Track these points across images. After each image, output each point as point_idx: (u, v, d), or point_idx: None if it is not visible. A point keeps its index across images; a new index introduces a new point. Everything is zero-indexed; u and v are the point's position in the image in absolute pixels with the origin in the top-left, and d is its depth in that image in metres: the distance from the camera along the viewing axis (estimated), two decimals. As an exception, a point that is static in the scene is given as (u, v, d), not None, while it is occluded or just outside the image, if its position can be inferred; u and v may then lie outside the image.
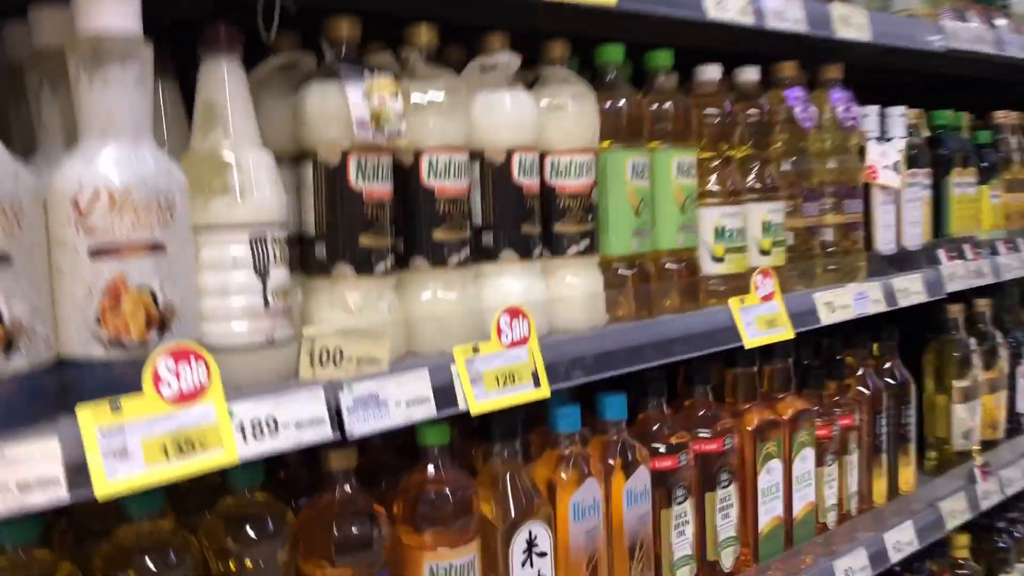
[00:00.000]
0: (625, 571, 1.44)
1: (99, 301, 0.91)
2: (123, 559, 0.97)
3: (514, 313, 1.23)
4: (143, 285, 0.92)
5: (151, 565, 0.97)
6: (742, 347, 1.54)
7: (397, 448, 1.38)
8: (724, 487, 1.60)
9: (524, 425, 1.51)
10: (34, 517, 0.92)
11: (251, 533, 1.05)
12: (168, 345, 0.93)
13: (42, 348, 0.89)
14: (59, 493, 0.85)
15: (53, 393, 0.90)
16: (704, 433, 1.59)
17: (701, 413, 1.61)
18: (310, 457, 1.20)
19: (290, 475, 1.30)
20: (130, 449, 0.89)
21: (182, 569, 1.00)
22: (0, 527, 0.90)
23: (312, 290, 1.15)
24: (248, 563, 1.05)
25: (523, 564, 1.29)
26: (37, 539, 0.93)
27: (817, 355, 1.98)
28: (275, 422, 1.00)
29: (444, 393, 1.15)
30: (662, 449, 1.51)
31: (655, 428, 1.52)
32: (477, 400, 1.17)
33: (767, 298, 1.60)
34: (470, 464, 1.37)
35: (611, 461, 1.43)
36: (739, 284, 1.60)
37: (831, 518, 1.85)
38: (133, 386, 0.91)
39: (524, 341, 1.24)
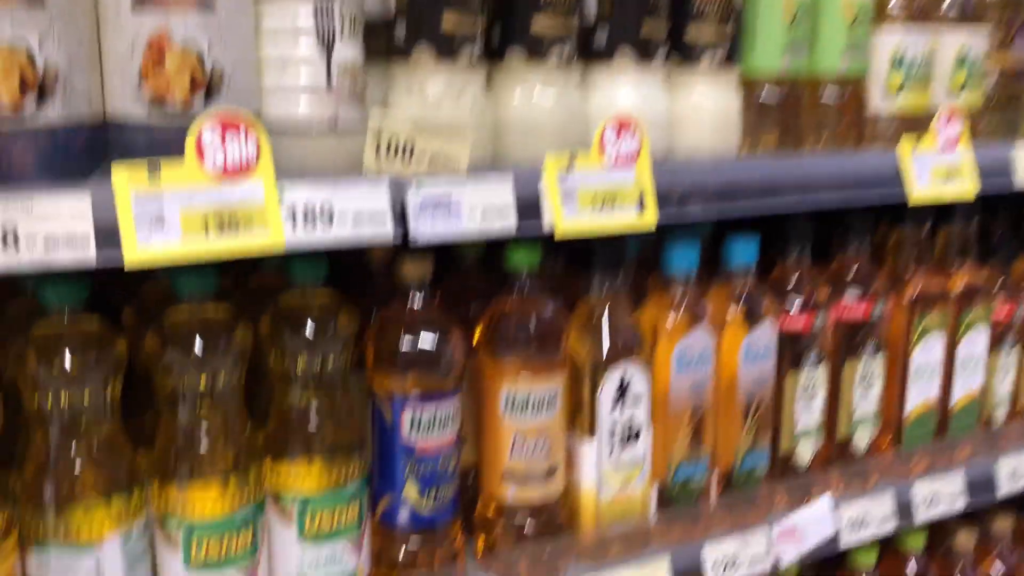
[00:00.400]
0: (736, 433, 1.30)
1: (142, 57, 0.84)
2: (173, 339, 0.93)
3: (623, 125, 1.07)
4: (189, 43, 0.85)
5: (201, 346, 0.93)
6: (908, 202, 1.31)
7: (494, 276, 1.28)
8: (868, 359, 1.40)
9: (641, 267, 1.38)
10: (82, 281, 0.90)
11: (309, 329, 0.99)
12: (215, 112, 0.85)
13: (81, 103, 0.84)
14: (87, 253, 0.81)
15: (91, 152, 0.85)
16: (851, 295, 1.38)
17: (851, 273, 1.40)
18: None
19: (372, 288, 1.23)
20: (167, 218, 0.84)
21: (234, 354, 0.95)
22: (45, 285, 0.88)
23: (391, 77, 1.04)
24: (304, 360, 1.00)
25: (613, 407, 1.18)
26: (83, 304, 0.90)
27: (1014, 226, 1.68)
28: (330, 212, 0.91)
29: (528, 207, 1.02)
30: (796, 306, 1.32)
31: (791, 282, 1.34)
32: (566, 219, 1.04)
33: (949, 145, 1.34)
34: (572, 301, 1.25)
35: (731, 311, 1.27)
36: (915, 126, 1.35)
37: (1000, 413, 1.60)
38: (177, 154, 0.85)
39: (632, 159, 1.09)
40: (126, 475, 0.92)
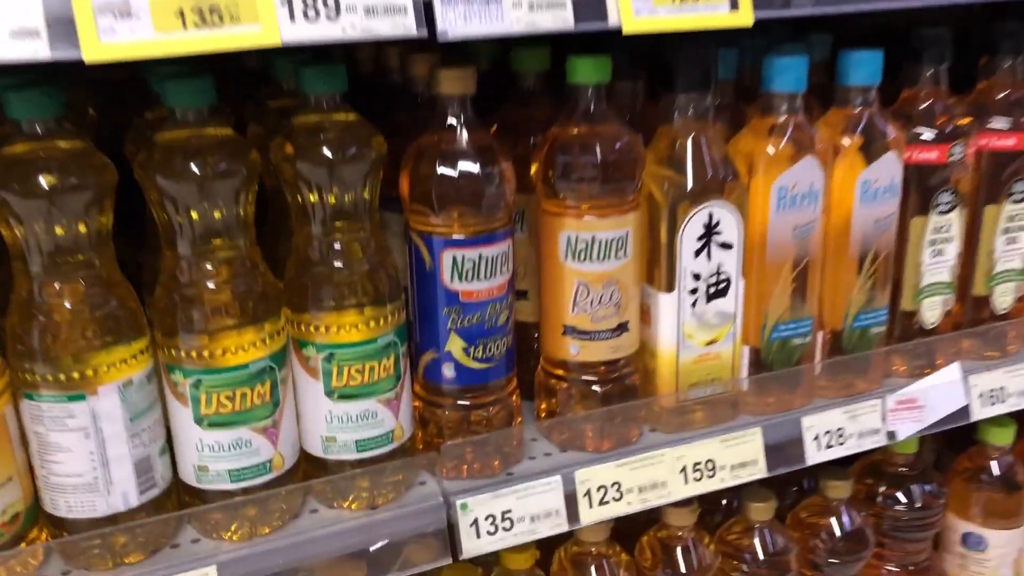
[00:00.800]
0: (848, 286, 1.10)
1: None
2: (164, 162, 0.80)
3: None
4: None
5: (198, 168, 0.79)
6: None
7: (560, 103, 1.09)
8: (1017, 201, 1.16)
9: (738, 93, 1.17)
10: (54, 92, 0.77)
11: (328, 150, 0.84)
12: None
13: None
14: (38, 48, 0.67)
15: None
16: (998, 123, 1.13)
17: (999, 96, 1.14)
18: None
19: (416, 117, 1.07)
20: (133, 7, 0.69)
21: (239, 179, 0.81)
22: (9, 96, 0.75)
23: None
24: (323, 187, 0.85)
25: (697, 254, 1.00)
26: (58, 117, 0.77)
27: None
28: (336, 0, 0.75)
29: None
30: (927, 135, 1.09)
31: (923, 107, 1.10)
32: (636, 15, 0.84)
33: None
34: (650, 127, 1.06)
35: (846, 139, 1.05)
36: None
37: None
38: (143, -73, 0.69)
39: (722, -60, 0.87)
40: (124, 319, 0.81)
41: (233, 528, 0.88)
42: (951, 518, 1.37)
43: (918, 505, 1.30)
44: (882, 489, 1.31)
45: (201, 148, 0.80)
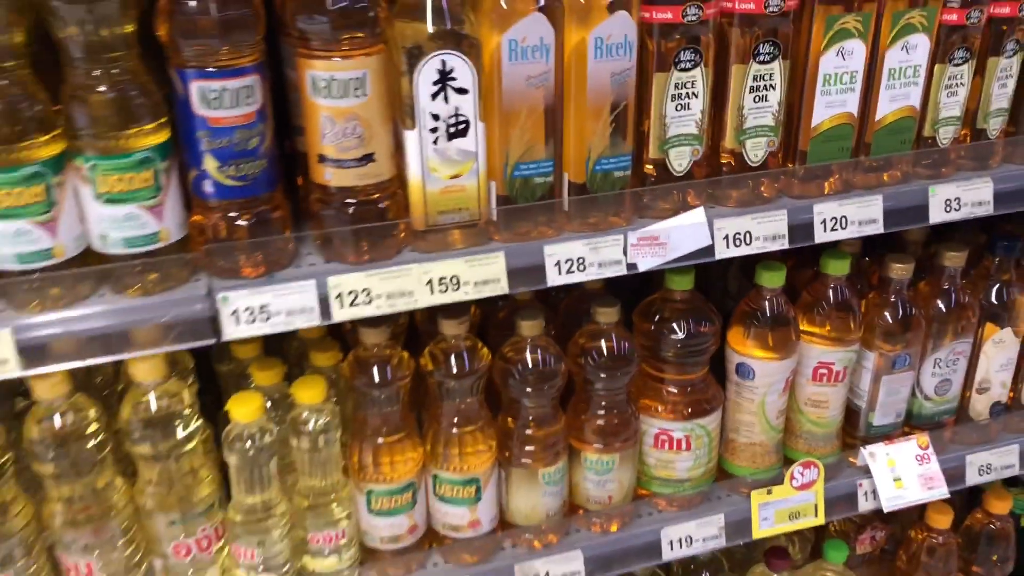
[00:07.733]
0: (589, 133, 1.24)
1: None
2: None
3: None
4: None
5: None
6: None
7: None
8: (763, 62, 1.27)
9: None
10: None
11: (74, -5, 0.99)
12: None
13: None
14: None
15: None
16: (746, -12, 1.23)
17: (751, -38, 1.24)
18: None
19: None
20: None
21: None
22: None
23: None
24: (79, 19, 1.01)
25: (434, 96, 1.15)
26: None
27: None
28: None
29: None
30: (666, -3, 1.20)
31: (668, -30, 1.20)
32: None
33: None
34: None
35: (581, -1, 1.17)
36: None
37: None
38: None
39: None
40: None
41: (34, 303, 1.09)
42: (729, 351, 1.55)
43: (690, 332, 1.47)
44: (659, 318, 1.48)
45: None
